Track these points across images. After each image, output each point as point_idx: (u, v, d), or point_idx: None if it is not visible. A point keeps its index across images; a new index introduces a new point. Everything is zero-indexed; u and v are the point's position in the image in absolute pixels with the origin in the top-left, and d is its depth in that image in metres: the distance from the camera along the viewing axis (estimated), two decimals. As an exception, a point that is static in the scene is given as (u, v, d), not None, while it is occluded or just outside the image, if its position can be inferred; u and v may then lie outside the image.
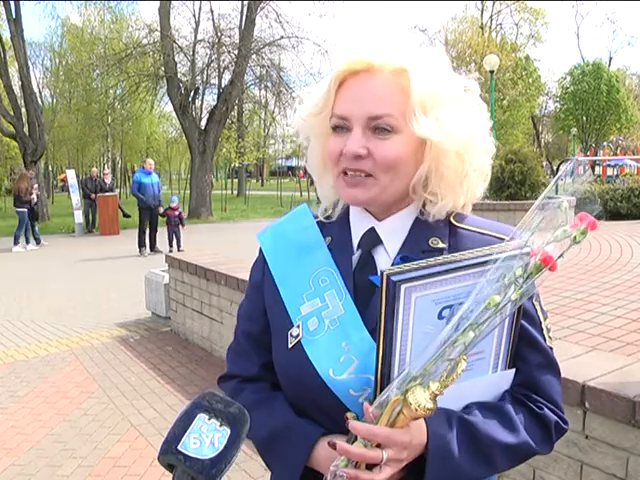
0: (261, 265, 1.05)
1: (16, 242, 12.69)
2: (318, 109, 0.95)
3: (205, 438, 0.72)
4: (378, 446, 0.81)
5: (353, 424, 0.81)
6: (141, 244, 11.47)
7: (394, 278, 0.77)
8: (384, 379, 0.82)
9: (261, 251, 1.05)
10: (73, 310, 6.88)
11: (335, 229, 1.01)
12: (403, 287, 0.77)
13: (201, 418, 0.74)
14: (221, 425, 0.73)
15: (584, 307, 4.92)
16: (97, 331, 5.84)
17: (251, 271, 1.09)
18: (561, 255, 0.76)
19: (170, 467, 0.72)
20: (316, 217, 1.04)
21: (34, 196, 13.03)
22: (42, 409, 3.94)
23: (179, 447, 0.71)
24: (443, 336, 0.77)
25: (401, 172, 0.90)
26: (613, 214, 11.45)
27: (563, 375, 1.97)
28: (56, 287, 8.45)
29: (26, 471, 3.10)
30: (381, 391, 0.82)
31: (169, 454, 0.72)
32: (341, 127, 0.91)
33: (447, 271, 0.79)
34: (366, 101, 0.88)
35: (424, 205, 0.95)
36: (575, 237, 0.75)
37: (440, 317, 0.80)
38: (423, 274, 0.78)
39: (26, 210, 12.61)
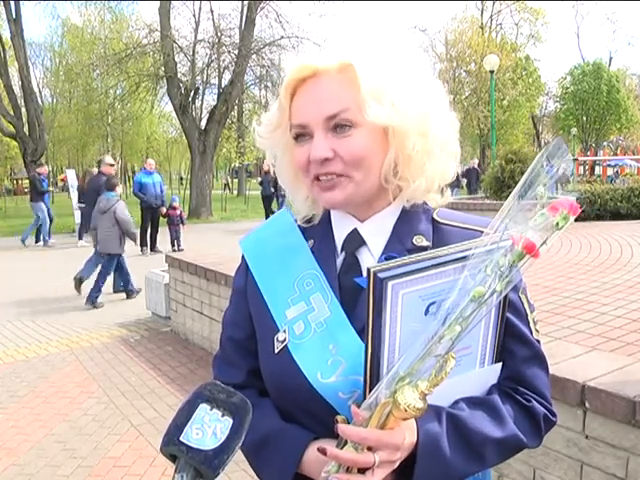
0: (243, 271, 1.05)
1: (80, 237, 13.24)
2: (275, 124, 0.96)
3: (207, 428, 0.71)
4: (369, 449, 0.80)
5: (342, 428, 0.80)
6: (143, 243, 11.49)
7: (381, 275, 0.76)
8: (373, 378, 0.81)
9: (243, 258, 1.05)
10: (73, 310, 6.88)
11: (317, 232, 1.00)
12: (390, 284, 0.76)
13: (203, 408, 0.73)
14: (223, 415, 0.73)
15: (584, 307, 4.92)
16: (97, 331, 5.84)
17: (234, 278, 1.08)
18: (544, 242, 0.75)
19: (172, 458, 0.72)
20: (297, 220, 1.04)
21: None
22: (42, 409, 3.94)
23: (181, 438, 0.71)
24: (429, 332, 0.76)
25: (371, 165, 0.89)
26: (613, 214, 11.44)
27: (563, 375, 1.99)
28: (56, 287, 8.44)
29: (26, 471, 3.10)
30: (370, 391, 0.81)
31: (171, 445, 0.71)
32: (302, 135, 0.91)
33: (433, 266, 0.78)
34: (319, 103, 0.88)
35: (399, 192, 0.95)
36: (557, 223, 0.74)
37: (427, 313, 0.80)
38: (410, 270, 0.77)
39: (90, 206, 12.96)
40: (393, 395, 0.76)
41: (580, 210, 0.75)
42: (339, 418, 0.88)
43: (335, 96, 0.87)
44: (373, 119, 0.86)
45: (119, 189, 7.44)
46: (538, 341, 0.96)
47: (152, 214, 11.41)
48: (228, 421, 0.73)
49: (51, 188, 14.13)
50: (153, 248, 11.56)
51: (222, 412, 0.73)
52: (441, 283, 0.79)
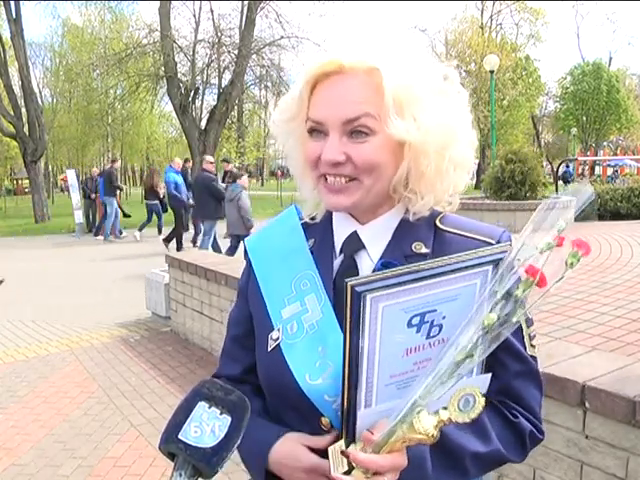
0: (247, 270, 1.05)
1: (160, 231, 13.62)
2: (292, 114, 0.93)
3: (206, 426, 0.72)
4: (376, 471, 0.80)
5: (355, 457, 0.79)
6: (180, 242, 11.50)
7: (358, 289, 0.75)
8: (351, 389, 0.80)
9: (247, 256, 1.05)
10: (73, 310, 6.88)
11: (318, 231, 1.00)
12: (369, 297, 0.75)
13: (201, 406, 0.73)
14: (221, 413, 0.73)
15: (584, 307, 4.92)
16: (97, 331, 5.83)
17: (240, 277, 1.09)
18: (560, 279, 0.74)
19: (171, 456, 0.72)
20: (302, 218, 1.03)
21: (163, 191, 13.82)
22: (42, 409, 3.94)
23: (180, 436, 0.71)
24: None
25: (382, 173, 0.88)
26: (613, 214, 11.46)
27: (563, 375, 1.99)
28: (56, 287, 8.45)
29: (26, 471, 3.10)
30: (349, 399, 0.80)
31: (170, 443, 0.71)
32: (317, 131, 0.89)
33: (415, 280, 0.76)
34: (340, 105, 0.85)
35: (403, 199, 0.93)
36: (572, 263, 0.74)
37: (410, 325, 0.78)
38: (390, 283, 0.76)
39: (158, 202, 13.45)
40: (410, 423, 0.76)
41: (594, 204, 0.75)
42: (324, 420, 0.88)
43: (357, 100, 0.85)
44: (392, 132, 0.84)
45: (241, 181, 8.64)
46: (534, 357, 0.95)
47: (183, 213, 11.58)
48: (226, 419, 0.73)
49: (124, 185, 14.35)
50: (167, 242, 11.50)
51: (220, 410, 0.73)
52: (426, 296, 0.77)
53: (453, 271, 0.77)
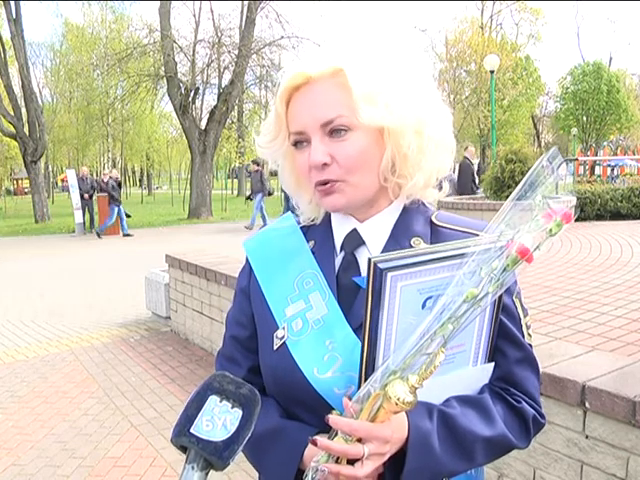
0: (247, 272, 1.07)
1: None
2: (274, 133, 0.97)
3: (217, 420, 0.72)
4: (359, 440, 0.81)
5: (333, 419, 0.82)
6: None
7: (381, 265, 0.77)
8: (369, 371, 0.82)
9: (247, 258, 1.07)
10: (73, 310, 6.88)
11: (318, 233, 1.03)
12: (390, 275, 0.77)
13: (213, 400, 0.74)
14: (233, 407, 0.74)
15: (584, 307, 4.92)
16: (97, 331, 5.84)
17: (238, 278, 1.11)
18: (537, 247, 0.76)
19: (183, 449, 0.73)
20: (300, 223, 1.06)
21: None
22: (42, 409, 3.94)
23: (192, 430, 0.72)
24: (422, 329, 0.78)
25: (368, 166, 0.91)
26: (613, 214, 11.45)
27: (563, 375, 1.99)
28: (56, 287, 8.45)
29: (26, 471, 3.10)
30: (366, 375, 0.82)
31: (182, 437, 0.72)
32: (301, 142, 0.92)
33: (432, 260, 0.79)
34: (314, 109, 0.89)
35: (398, 190, 0.96)
36: (551, 230, 0.75)
37: (424, 307, 0.81)
38: (409, 262, 0.78)
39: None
40: (384, 388, 0.78)
41: (578, 212, 0.76)
42: (334, 413, 0.89)
43: (329, 102, 0.89)
44: (367, 122, 0.88)
45: None
46: (530, 345, 0.98)
47: None
48: (238, 412, 0.74)
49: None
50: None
51: (232, 404, 0.74)
52: (439, 278, 0.80)
53: (467, 255, 0.79)
